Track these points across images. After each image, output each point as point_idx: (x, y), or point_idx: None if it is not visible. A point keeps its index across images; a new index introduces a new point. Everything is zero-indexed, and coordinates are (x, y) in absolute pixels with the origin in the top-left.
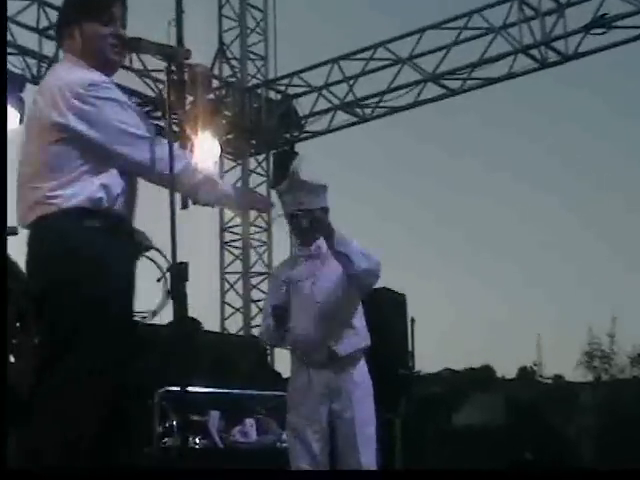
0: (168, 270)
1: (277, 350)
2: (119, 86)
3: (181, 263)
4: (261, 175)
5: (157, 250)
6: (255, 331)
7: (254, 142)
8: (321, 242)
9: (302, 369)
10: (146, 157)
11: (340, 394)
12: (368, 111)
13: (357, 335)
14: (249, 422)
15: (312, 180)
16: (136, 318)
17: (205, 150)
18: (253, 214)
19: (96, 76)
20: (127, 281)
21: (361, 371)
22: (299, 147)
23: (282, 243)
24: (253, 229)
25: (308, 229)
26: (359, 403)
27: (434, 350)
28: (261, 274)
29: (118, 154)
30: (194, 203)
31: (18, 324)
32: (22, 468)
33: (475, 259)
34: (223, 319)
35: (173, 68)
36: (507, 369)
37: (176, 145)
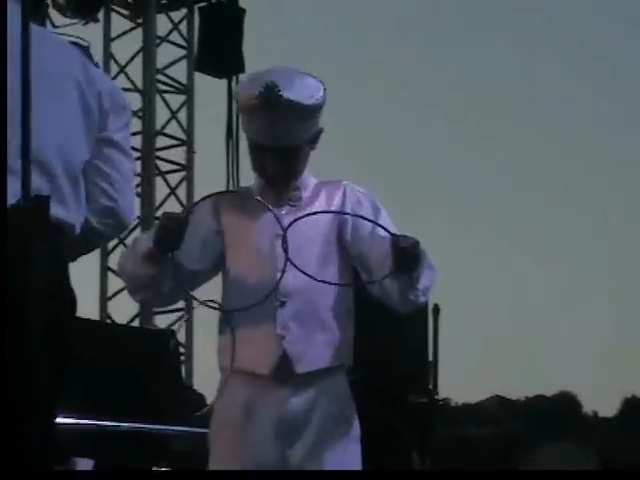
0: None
1: (198, 353)
2: None
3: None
4: (178, 46)
5: None
6: (160, 321)
7: None
8: (305, 183)
9: (240, 387)
10: None
11: (302, 432)
12: None
13: (335, 343)
14: None
15: (300, 92)
16: None
17: None
18: (161, 120)
19: None
20: None
21: (340, 396)
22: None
23: (212, 168)
24: (162, 140)
25: (282, 171)
26: (335, 449)
27: (474, 363)
28: None
29: None
30: None
31: None
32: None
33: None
34: (105, 299)
35: None
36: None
37: None
